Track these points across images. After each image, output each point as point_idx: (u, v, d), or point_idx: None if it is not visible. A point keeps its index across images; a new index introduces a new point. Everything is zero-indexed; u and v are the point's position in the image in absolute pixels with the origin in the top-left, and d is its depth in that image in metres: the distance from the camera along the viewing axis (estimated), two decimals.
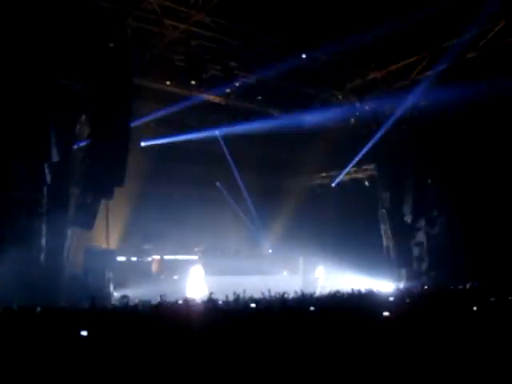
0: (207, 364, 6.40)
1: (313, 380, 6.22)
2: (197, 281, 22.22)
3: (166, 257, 23.25)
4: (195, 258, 24.00)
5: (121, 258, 20.35)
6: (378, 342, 7.29)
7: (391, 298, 13.20)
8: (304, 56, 17.75)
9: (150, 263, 22.70)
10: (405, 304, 12.31)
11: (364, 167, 24.92)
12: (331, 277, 22.76)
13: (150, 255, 22.95)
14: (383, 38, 16.23)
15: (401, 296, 14.14)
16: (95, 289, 15.95)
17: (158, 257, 23.28)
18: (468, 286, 17.16)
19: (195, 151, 23.83)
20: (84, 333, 7.37)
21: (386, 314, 9.45)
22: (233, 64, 17.53)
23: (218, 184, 25.73)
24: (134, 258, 22.19)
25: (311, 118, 21.20)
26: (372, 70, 18.81)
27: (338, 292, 13.73)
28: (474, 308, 10.78)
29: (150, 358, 6.55)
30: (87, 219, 16.19)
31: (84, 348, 6.87)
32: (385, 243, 22.95)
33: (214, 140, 23.84)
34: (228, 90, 18.03)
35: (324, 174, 26.85)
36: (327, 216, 25.46)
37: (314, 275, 25.18)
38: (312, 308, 10.52)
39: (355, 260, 22.37)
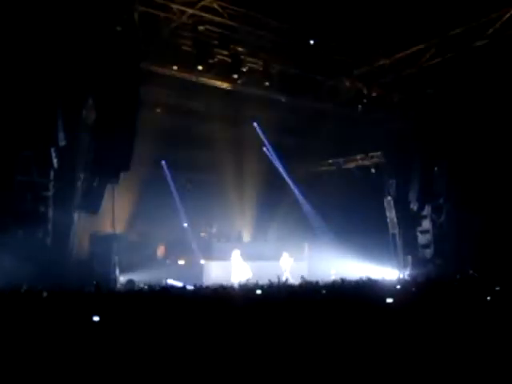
0: (212, 350, 6.43)
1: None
2: (238, 266, 22.37)
3: None
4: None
5: None
6: (381, 332, 7.30)
7: (397, 287, 13.22)
8: (312, 42, 17.64)
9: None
10: (410, 292, 12.31)
11: (371, 154, 24.87)
12: (336, 264, 22.73)
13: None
14: (391, 25, 16.14)
15: (406, 284, 14.15)
16: (101, 273, 16.05)
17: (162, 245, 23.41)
18: (473, 275, 17.15)
19: (201, 137, 23.81)
20: (94, 318, 7.41)
21: (389, 300, 9.46)
22: (240, 49, 17.44)
23: (223, 169, 25.70)
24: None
25: None
26: (380, 56, 18.68)
27: (344, 280, 13.72)
28: (480, 297, 10.78)
29: (153, 343, 6.58)
30: (93, 203, 16.23)
31: (90, 332, 6.91)
32: (390, 230, 22.97)
33: (220, 126, 23.79)
34: (235, 76, 17.93)
35: (330, 161, 26.79)
36: (333, 203, 25.44)
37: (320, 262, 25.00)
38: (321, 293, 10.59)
39: (361, 247, 22.38)
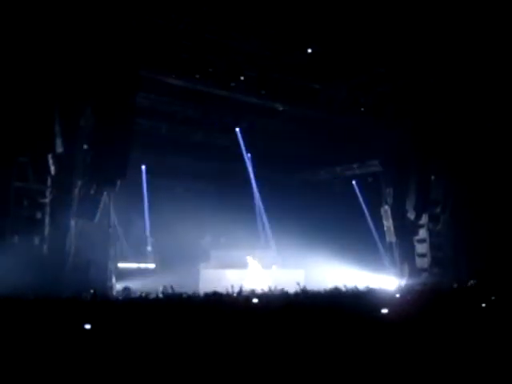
0: (209, 359, 6.41)
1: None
2: (255, 273, 22.35)
3: None
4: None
5: (122, 265, 20.37)
6: (375, 343, 7.27)
7: (395, 296, 13.18)
8: (309, 50, 17.69)
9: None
10: (406, 302, 12.28)
11: (368, 163, 24.90)
12: (333, 272, 22.69)
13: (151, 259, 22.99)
14: (389, 33, 16.20)
15: (402, 294, 14.10)
16: (97, 281, 16.01)
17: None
18: (470, 284, 17.14)
19: (198, 145, 23.85)
20: (86, 326, 7.37)
21: (385, 311, 9.43)
22: (238, 57, 17.48)
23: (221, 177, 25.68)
24: (135, 265, 22.16)
25: None
26: (377, 65, 18.71)
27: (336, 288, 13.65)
28: (476, 306, 10.77)
29: (150, 351, 6.56)
30: (90, 211, 16.22)
31: (85, 340, 6.88)
32: (387, 239, 22.97)
33: (218, 134, 23.82)
34: (232, 84, 17.95)
35: (328, 170, 26.82)
36: (330, 211, 25.44)
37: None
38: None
39: (357, 255, 22.38)
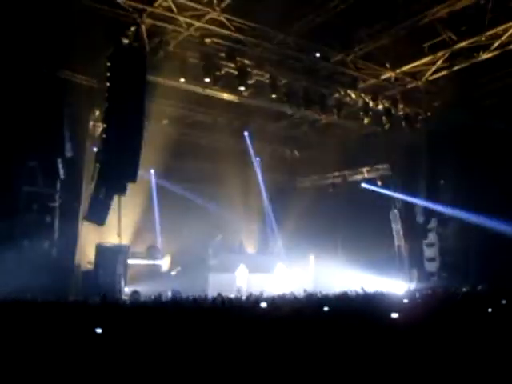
0: (216, 363, 6.42)
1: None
2: (243, 278, 22.47)
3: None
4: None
5: (132, 261, 20.30)
6: (384, 349, 7.25)
7: (403, 300, 13.14)
8: (318, 55, 17.72)
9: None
10: (416, 306, 12.25)
11: (376, 167, 24.87)
12: (342, 276, 22.67)
13: (161, 256, 22.94)
14: (397, 38, 16.19)
15: (411, 298, 14.07)
16: (106, 284, 16.06)
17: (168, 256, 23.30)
18: (479, 288, 17.06)
19: (208, 148, 23.92)
20: (96, 329, 7.39)
21: (395, 315, 9.40)
22: (247, 62, 17.50)
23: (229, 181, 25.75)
24: (146, 262, 22.15)
25: None
26: (385, 69, 18.70)
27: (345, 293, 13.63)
28: (486, 311, 10.72)
29: (157, 355, 6.58)
30: (100, 214, 16.25)
31: (94, 343, 6.91)
32: (396, 243, 22.92)
33: (227, 138, 23.91)
34: (242, 88, 17.97)
35: (337, 173, 26.78)
36: (339, 215, 25.42)
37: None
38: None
39: (366, 259, 22.33)
